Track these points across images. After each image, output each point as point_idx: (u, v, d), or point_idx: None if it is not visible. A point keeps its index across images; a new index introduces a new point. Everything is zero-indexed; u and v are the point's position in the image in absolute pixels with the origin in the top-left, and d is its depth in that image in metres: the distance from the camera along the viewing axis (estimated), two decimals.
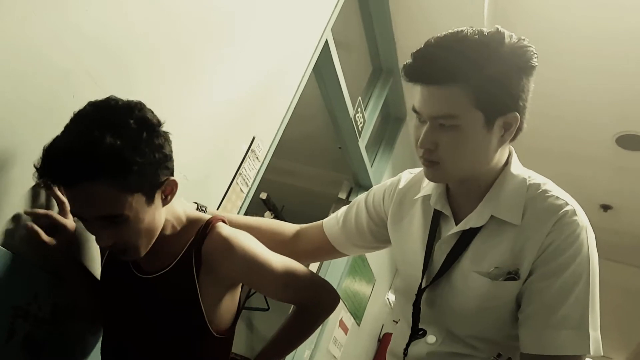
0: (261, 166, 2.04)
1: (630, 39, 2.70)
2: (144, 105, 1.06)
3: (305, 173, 5.04)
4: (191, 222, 1.20)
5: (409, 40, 3.08)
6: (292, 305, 1.38)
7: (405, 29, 3.04)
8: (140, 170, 1.00)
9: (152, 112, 1.07)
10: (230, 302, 1.22)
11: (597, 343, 1.01)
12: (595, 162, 3.64)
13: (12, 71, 1.04)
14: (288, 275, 1.23)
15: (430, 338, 1.17)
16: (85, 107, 1.02)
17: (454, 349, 1.14)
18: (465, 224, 1.12)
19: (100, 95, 1.07)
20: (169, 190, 1.10)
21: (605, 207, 4.06)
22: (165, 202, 1.11)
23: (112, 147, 0.96)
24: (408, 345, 1.19)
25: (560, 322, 1.01)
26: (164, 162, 1.06)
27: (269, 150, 2.06)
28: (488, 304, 1.10)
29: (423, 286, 1.15)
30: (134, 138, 0.99)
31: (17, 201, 1.12)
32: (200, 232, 1.17)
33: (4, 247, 1.10)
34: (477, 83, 1.01)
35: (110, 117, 1.00)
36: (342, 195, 3.58)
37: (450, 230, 1.14)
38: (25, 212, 1.11)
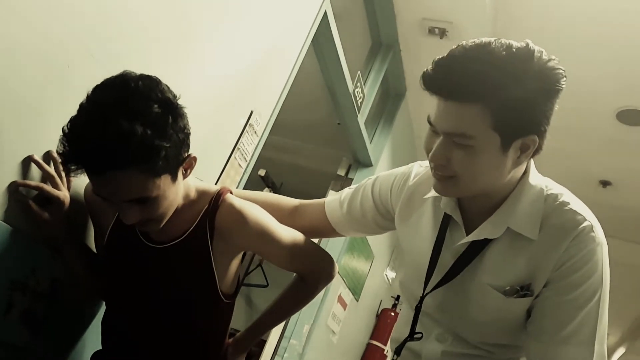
0: (259, 141, 2.02)
1: (632, 12, 2.66)
2: (160, 82, 1.05)
3: (304, 150, 5.02)
4: (200, 193, 1.24)
5: (409, 14, 3.04)
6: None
7: (405, 3, 2.99)
8: (167, 154, 1.02)
9: (167, 86, 1.06)
10: (235, 268, 1.28)
11: (601, 358, 1.03)
12: (596, 137, 3.62)
13: (5, 41, 1.01)
14: (295, 247, 1.29)
15: (440, 337, 1.19)
16: (104, 91, 1.01)
17: (466, 350, 1.16)
18: (479, 234, 1.09)
19: (95, 67, 1.05)
20: (188, 165, 1.13)
21: (605, 183, 4.05)
22: (185, 176, 1.14)
23: (144, 137, 0.98)
24: (403, 344, 1.20)
25: (568, 337, 1.02)
26: (186, 140, 1.08)
27: (267, 124, 2.04)
28: (500, 318, 1.11)
29: (427, 291, 1.15)
30: (161, 124, 1.01)
31: (12, 173, 1.10)
32: (212, 203, 1.21)
33: (2, 221, 1.09)
34: (498, 104, 0.95)
35: (135, 103, 1.00)
36: (341, 172, 3.57)
37: (462, 238, 1.11)
38: (16, 184, 1.10)
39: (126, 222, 1.10)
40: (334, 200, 1.40)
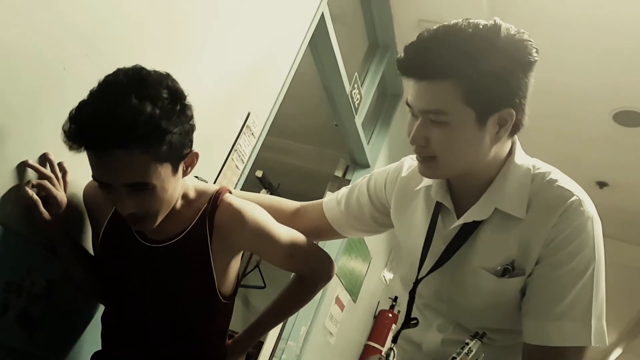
0: (257, 142, 2.02)
1: (627, 12, 2.66)
2: (170, 75, 1.07)
3: (301, 151, 5.01)
4: (199, 193, 1.24)
5: (406, 15, 3.04)
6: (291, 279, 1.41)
7: (402, 4, 2.99)
8: (172, 141, 1.03)
9: (178, 82, 1.08)
10: (234, 268, 1.27)
11: (600, 334, 1.01)
12: (592, 138, 3.62)
13: (2, 43, 1.01)
14: (293, 246, 1.29)
15: (440, 327, 1.18)
16: (117, 74, 1.03)
17: (465, 338, 1.14)
18: (468, 217, 1.09)
19: (91, 69, 1.05)
20: (190, 162, 1.14)
21: (601, 184, 4.06)
22: (185, 173, 1.14)
23: (152, 117, 0.99)
24: (399, 332, 1.20)
25: (563, 313, 1.01)
26: (191, 133, 1.09)
27: (264, 126, 2.04)
28: (496, 301, 1.10)
29: (420, 276, 1.16)
30: (169, 109, 1.02)
31: (9, 176, 1.10)
32: (211, 202, 1.20)
33: None
34: (469, 79, 0.98)
35: (146, 86, 1.01)
36: (339, 173, 3.56)
37: (453, 222, 1.12)
38: (20, 186, 1.09)
39: (122, 212, 1.09)
40: (331, 199, 1.41)
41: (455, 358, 1.04)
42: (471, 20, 1.01)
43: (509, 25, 1.00)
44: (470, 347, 1.04)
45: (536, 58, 1.01)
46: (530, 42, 1.00)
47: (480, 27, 0.99)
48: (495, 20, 1.01)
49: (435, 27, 1.02)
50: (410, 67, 1.02)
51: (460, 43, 0.98)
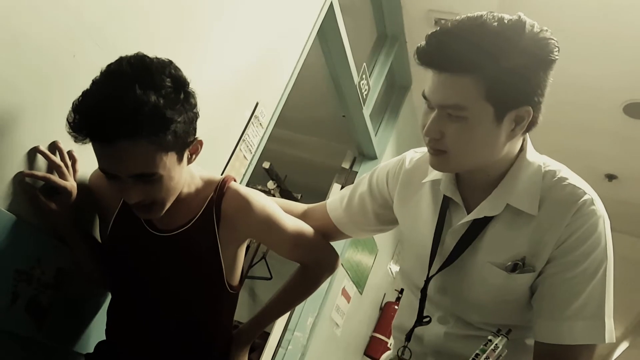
0: (265, 133, 2.01)
1: (637, 3, 2.63)
2: (172, 62, 1.06)
3: (309, 143, 5.01)
4: (205, 182, 1.24)
5: (415, 5, 3.02)
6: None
7: None
8: (177, 130, 1.02)
9: (180, 70, 1.07)
10: (240, 258, 1.28)
11: (611, 331, 1.03)
12: (602, 131, 3.59)
13: (11, 31, 1.01)
14: (299, 235, 1.29)
15: (441, 319, 1.18)
16: (119, 63, 1.02)
17: (469, 332, 1.15)
18: (479, 212, 1.09)
19: (100, 58, 1.05)
20: (194, 150, 1.13)
21: (610, 177, 4.03)
22: (189, 161, 1.14)
23: (156, 107, 0.98)
24: (413, 330, 1.19)
25: (577, 312, 1.01)
26: (195, 121, 1.09)
27: (272, 116, 2.03)
28: (503, 297, 1.10)
29: (431, 274, 1.15)
30: (173, 97, 1.02)
31: (19, 164, 1.10)
32: (218, 190, 1.20)
33: (7, 210, 1.09)
34: (490, 75, 0.96)
35: (149, 75, 1.00)
36: (346, 165, 3.55)
37: (462, 218, 1.11)
38: (23, 174, 1.10)
39: (129, 201, 1.09)
40: (335, 199, 1.41)
41: (480, 355, 1.03)
42: (496, 14, 0.98)
43: (532, 22, 0.99)
44: (496, 344, 1.03)
45: (557, 57, 0.99)
46: (552, 41, 0.99)
47: (505, 22, 0.97)
48: (519, 16, 0.99)
49: (459, 17, 1.00)
50: (431, 58, 0.99)
51: (485, 38, 0.96)
